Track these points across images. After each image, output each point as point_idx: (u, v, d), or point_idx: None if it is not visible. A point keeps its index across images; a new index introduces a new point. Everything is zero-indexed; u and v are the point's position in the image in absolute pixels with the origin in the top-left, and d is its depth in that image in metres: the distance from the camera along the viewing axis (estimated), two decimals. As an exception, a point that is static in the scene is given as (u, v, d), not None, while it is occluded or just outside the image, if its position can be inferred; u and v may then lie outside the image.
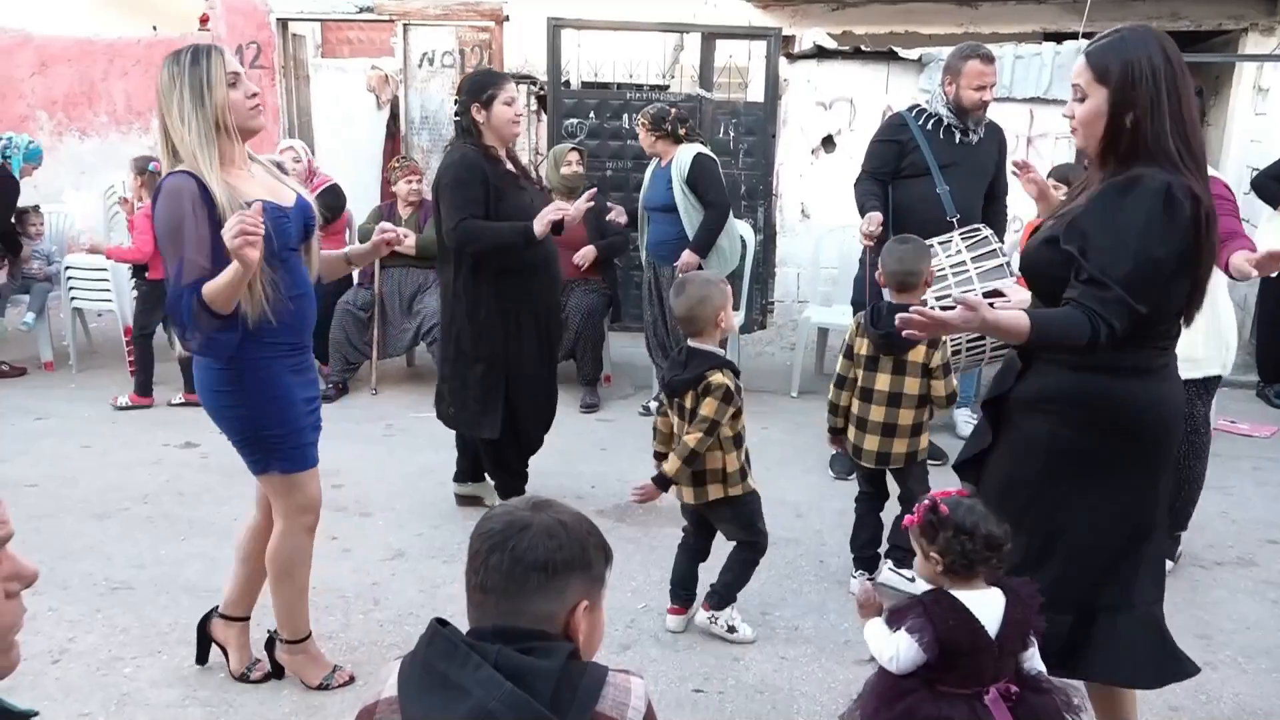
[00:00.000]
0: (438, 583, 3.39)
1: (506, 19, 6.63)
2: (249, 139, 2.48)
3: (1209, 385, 3.42)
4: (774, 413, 5.41)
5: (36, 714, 1.14)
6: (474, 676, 1.16)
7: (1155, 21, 8.75)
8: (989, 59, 4.23)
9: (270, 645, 2.79)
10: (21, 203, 5.90)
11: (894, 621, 1.96)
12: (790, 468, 4.55)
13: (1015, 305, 2.23)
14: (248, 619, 2.83)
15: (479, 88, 3.54)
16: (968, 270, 3.92)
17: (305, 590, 2.73)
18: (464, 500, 4.02)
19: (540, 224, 3.51)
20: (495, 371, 3.69)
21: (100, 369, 5.97)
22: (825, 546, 3.72)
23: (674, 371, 3.03)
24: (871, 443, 3.34)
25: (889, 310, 3.17)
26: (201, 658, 2.83)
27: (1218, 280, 3.03)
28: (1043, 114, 6.17)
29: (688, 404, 3.00)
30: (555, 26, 6.39)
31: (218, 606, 2.82)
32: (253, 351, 2.43)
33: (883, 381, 3.29)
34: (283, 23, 6.80)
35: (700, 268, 4.68)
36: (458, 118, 3.60)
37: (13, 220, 5.78)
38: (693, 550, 3.22)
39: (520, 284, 3.64)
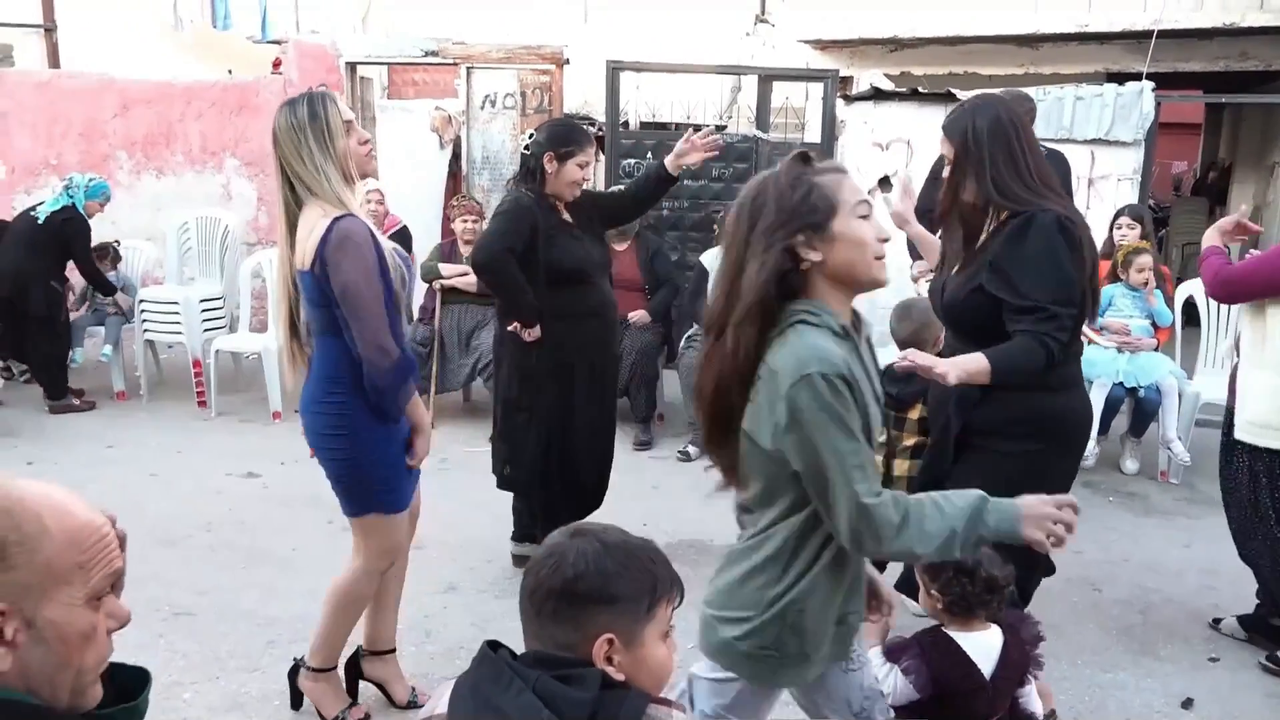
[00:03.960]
0: (489, 617, 3.42)
1: (567, 62, 6.76)
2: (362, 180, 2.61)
3: None
4: (827, 453, 5.37)
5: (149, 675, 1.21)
6: (515, 701, 1.19)
7: (1223, 62, 8.64)
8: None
9: (295, 672, 2.82)
10: (100, 238, 6.15)
11: (891, 656, 2.00)
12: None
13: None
14: (392, 651, 2.91)
15: (561, 140, 3.43)
16: None
17: (351, 627, 2.77)
18: (519, 561, 3.87)
19: (524, 321, 3.47)
20: (542, 424, 3.57)
21: (169, 399, 6.16)
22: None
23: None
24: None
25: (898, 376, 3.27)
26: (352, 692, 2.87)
27: None
28: (1104, 155, 6.10)
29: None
30: (614, 69, 6.51)
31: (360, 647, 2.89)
32: (354, 403, 2.49)
33: (905, 439, 3.36)
34: (351, 66, 7.02)
35: None
36: (526, 151, 3.49)
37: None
38: None
39: (573, 332, 3.51)
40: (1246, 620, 3.33)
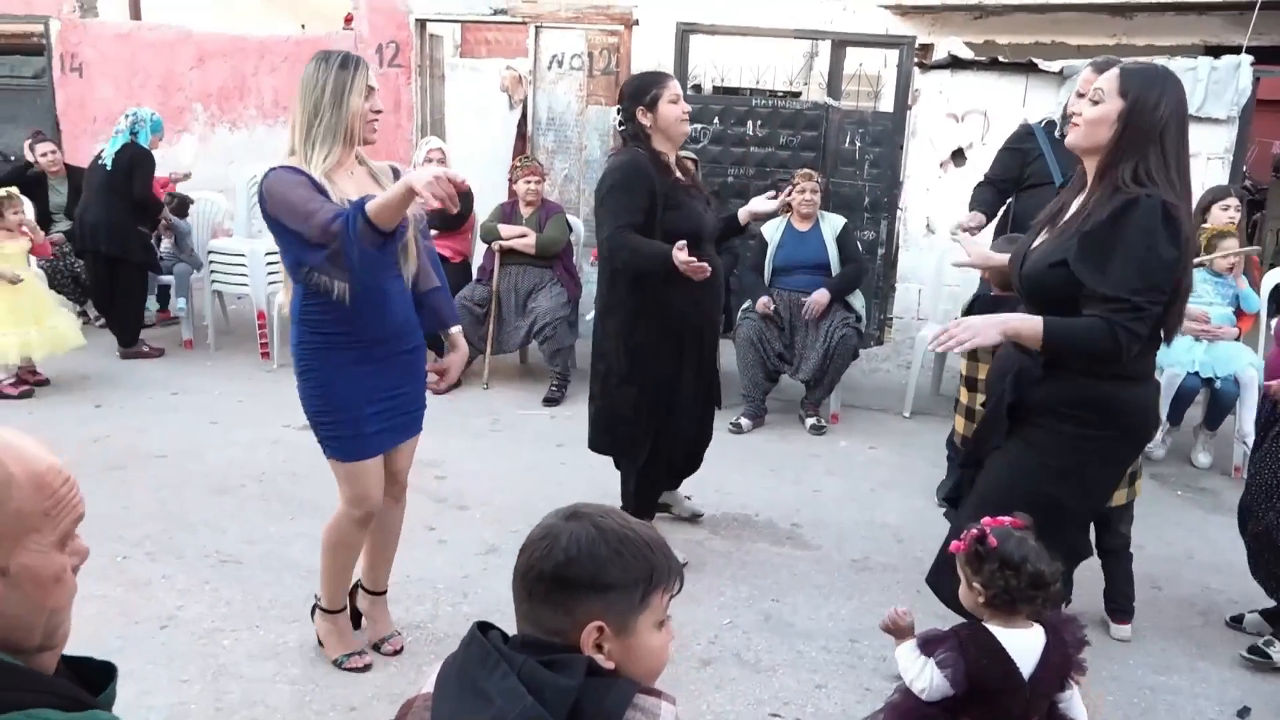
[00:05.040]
0: (527, 581, 3.42)
1: (636, 23, 6.66)
2: (361, 146, 2.63)
3: None
4: (884, 432, 5.26)
5: (114, 669, 1.21)
6: (499, 685, 1.16)
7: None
8: (1099, 68, 3.96)
9: (314, 611, 2.92)
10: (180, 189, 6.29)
11: (926, 649, 1.93)
12: (894, 490, 4.41)
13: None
14: (382, 593, 2.98)
15: (641, 90, 3.28)
16: None
17: (345, 571, 2.84)
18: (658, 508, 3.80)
19: (679, 258, 3.09)
20: (648, 396, 3.38)
21: (234, 349, 6.29)
22: (924, 575, 3.57)
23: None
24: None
25: (991, 303, 3.24)
26: (355, 624, 2.98)
27: None
28: (1195, 132, 5.75)
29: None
30: (684, 31, 6.38)
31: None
32: (316, 339, 2.60)
33: (985, 371, 3.24)
34: (421, 23, 7.01)
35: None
36: (622, 127, 3.36)
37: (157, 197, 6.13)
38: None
39: (683, 298, 3.28)
40: (1271, 614, 3.20)
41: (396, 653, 2.91)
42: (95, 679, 1.18)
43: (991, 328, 2.20)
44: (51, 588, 1.08)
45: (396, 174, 2.77)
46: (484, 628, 1.25)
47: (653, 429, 3.42)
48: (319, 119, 2.49)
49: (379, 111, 2.59)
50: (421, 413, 2.87)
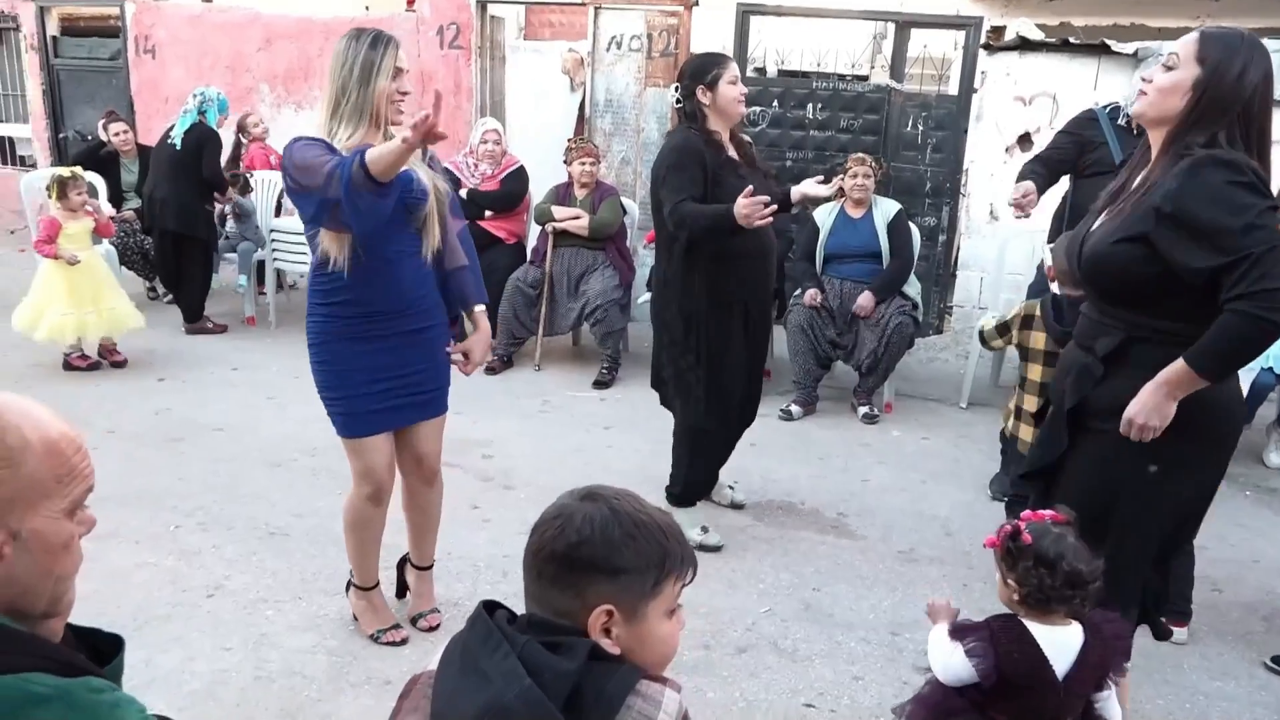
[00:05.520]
0: (567, 562, 3.42)
1: (696, 3, 6.59)
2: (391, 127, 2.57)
3: None
4: (939, 423, 5.15)
5: (123, 641, 1.23)
6: (499, 666, 1.15)
7: None
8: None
9: (348, 586, 2.96)
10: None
11: (958, 634, 1.87)
12: (945, 482, 4.32)
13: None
14: (429, 568, 3.03)
15: (702, 70, 3.39)
16: None
17: (371, 548, 2.86)
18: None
19: (741, 207, 3.11)
20: (702, 364, 3.49)
21: (294, 327, 6.38)
22: (972, 570, 3.50)
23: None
24: None
25: (1068, 305, 3.08)
26: (400, 593, 3.07)
27: None
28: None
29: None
30: (745, 12, 6.31)
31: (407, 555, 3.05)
32: (320, 312, 2.61)
33: (1034, 370, 3.16)
34: (482, 5, 7.03)
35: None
36: (679, 104, 3.46)
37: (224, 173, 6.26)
38: None
39: (733, 273, 3.40)
40: None
41: (433, 629, 2.93)
42: (105, 650, 1.20)
43: (1161, 400, 1.95)
44: (60, 554, 1.10)
45: (424, 149, 2.76)
46: (490, 607, 1.24)
47: (711, 394, 3.48)
48: (346, 97, 2.48)
49: (406, 93, 2.56)
50: (442, 394, 2.82)
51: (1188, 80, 1.97)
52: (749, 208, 3.08)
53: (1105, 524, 2.08)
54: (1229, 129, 1.94)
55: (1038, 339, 3.12)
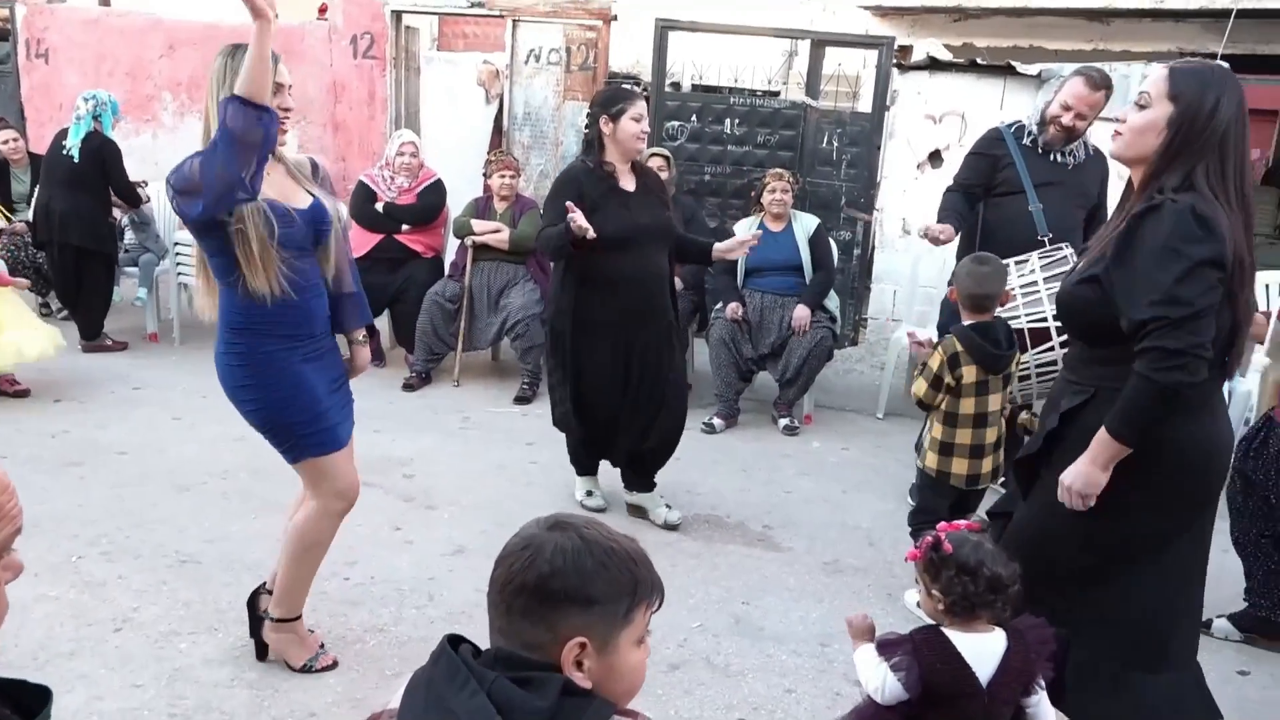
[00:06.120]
0: (494, 583, 3.36)
1: (614, 18, 6.59)
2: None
3: None
4: (857, 433, 5.24)
5: (50, 693, 1.15)
6: (467, 704, 1.10)
7: (1303, 44, 8.21)
8: (1096, 85, 3.93)
9: (259, 625, 2.80)
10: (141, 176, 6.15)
11: (883, 651, 1.91)
12: (866, 492, 4.39)
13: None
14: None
15: (610, 101, 3.60)
16: (1038, 291, 3.68)
17: (313, 574, 2.77)
18: (633, 510, 3.99)
19: (575, 225, 3.36)
20: (567, 380, 3.74)
21: (200, 343, 6.15)
22: (895, 579, 3.56)
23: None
24: (988, 464, 3.28)
25: (988, 330, 3.17)
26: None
27: None
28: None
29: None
30: (663, 28, 6.33)
31: (265, 583, 2.87)
32: (264, 345, 2.51)
33: (995, 402, 3.23)
34: (396, 15, 6.91)
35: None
36: (586, 129, 3.69)
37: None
38: None
39: (601, 297, 3.60)
40: (1239, 619, 3.23)
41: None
42: (30, 704, 1.11)
43: (1090, 469, 1.99)
44: None
45: (315, 166, 2.72)
46: (454, 641, 1.19)
47: (567, 405, 3.77)
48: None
49: (287, 110, 2.49)
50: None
51: (1161, 119, 1.98)
52: (573, 225, 3.36)
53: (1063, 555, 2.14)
54: (1206, 163, 1.94)
55: (968, 373, 3.17)
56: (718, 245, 3.79)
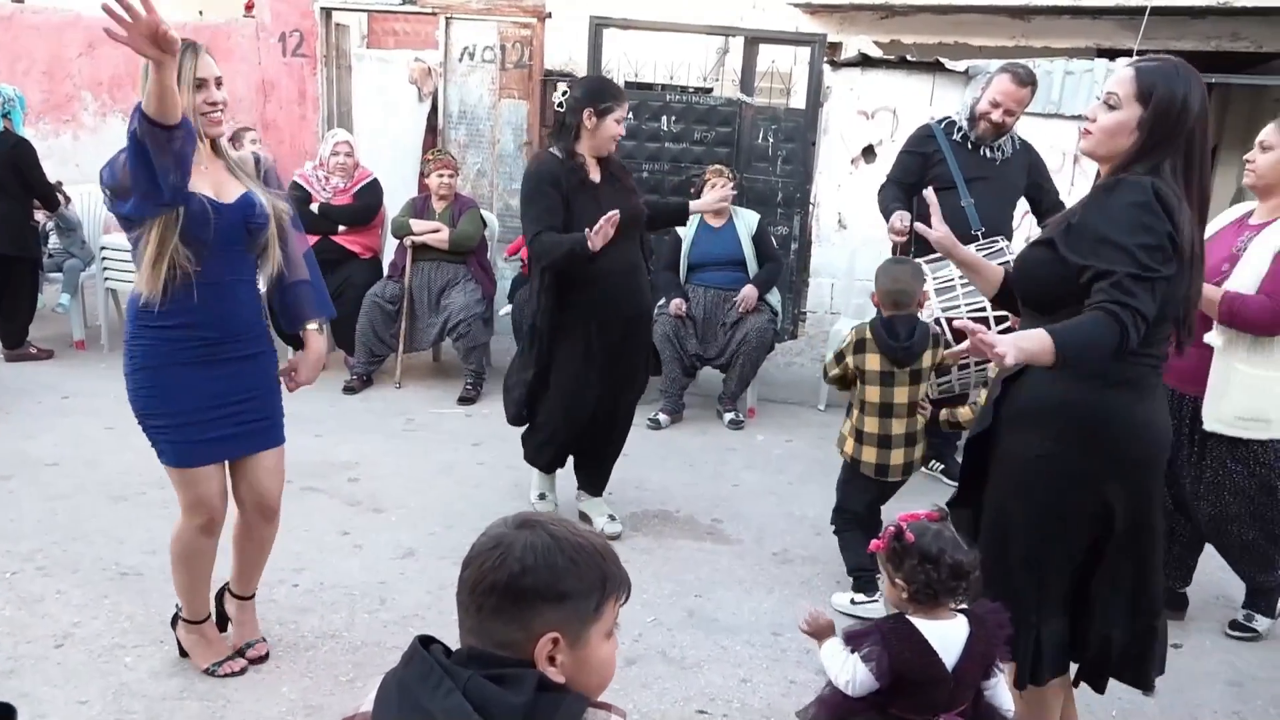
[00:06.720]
0: (446, 584, 3.32)
1: (548, 15, 6.58)
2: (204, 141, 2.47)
3: None
4: (800, 425, 5.32)
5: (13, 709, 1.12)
6: (443, 704, 1.11)
7: (1214, 41, 8.56)
8: (1022, 81, 4.07)
9: (175, 621, 2.81)
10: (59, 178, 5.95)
11: (851, 644, 1.96)
12: (810, 483, 4.46)
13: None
14: (251, 597, 2.90)
15: (599, 95, 3.45)
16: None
17: (203, 580, 2.76)
18: (581, 516, 3.89)
19: (593, 238, 3.32)
20: (541, 380, 3.65)
21: (130, 350, 6.00)
22: (843, 568, 3.62)
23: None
24: (897, 457, 3.30)
25: (900, 322, 3.24)
26: (221, 626, 2.88)
27: None
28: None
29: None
30: (597, 25, 6.34)
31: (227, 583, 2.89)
32: (149, 335, 2.48)
33: (900, 395, 3.27)
34: (326, 12, 6.81)
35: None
36: (560, 110, 3.56)
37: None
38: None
39: (585, 293, 3.50)
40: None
41: (262, 659, 2.81)
42: None
43: (1010, 348, 1.87)
44: None
45: (259, 162, 2.67)
46: (425, 642, 1.20)
47: (526, 402, 3.70)
48: None
49: (215, 103, 2.43)
50: (277, 424, 2.72)
51: (1132, 120, 2.01)
52: (597, 236, 3.30)
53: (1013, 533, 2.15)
54: (1172, 159, 1.99)
55: (872, 360, 3.25)
56: (694, 203, 3.87)
